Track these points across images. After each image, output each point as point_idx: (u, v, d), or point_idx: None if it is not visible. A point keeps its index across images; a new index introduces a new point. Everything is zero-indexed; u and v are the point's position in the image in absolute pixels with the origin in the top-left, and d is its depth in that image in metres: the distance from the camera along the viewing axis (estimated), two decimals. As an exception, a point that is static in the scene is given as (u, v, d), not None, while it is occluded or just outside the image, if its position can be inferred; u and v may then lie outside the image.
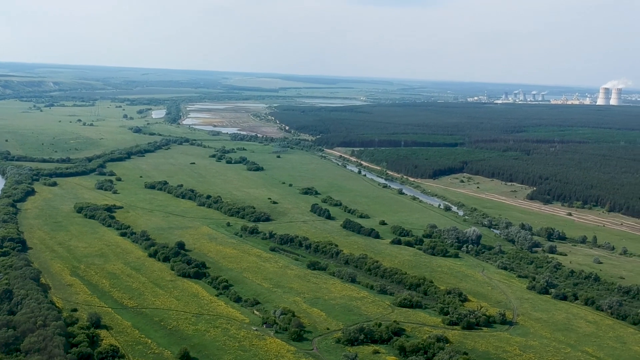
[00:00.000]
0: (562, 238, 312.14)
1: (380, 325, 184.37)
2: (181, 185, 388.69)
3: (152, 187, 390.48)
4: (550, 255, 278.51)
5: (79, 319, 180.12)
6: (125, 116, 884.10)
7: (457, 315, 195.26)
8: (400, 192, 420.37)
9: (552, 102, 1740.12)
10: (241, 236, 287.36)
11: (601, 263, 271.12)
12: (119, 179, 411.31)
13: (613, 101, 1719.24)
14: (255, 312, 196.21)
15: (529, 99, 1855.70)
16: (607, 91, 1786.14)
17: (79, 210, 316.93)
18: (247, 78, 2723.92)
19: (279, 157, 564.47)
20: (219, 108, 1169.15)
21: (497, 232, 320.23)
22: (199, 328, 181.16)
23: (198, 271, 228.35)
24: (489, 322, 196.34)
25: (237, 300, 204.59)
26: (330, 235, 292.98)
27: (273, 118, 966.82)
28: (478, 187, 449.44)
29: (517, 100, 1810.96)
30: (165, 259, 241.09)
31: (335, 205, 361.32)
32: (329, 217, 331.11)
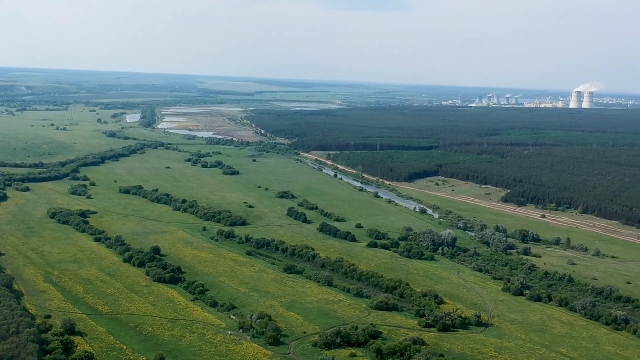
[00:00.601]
0: (536, 240, 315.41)
1: (356, 328, 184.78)
2: (156, 190, 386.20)
3: (126, 191, 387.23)
4: (525, 257, 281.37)
5: (52, 326, 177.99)
6: (99, 120, 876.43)
7: (433, 318, 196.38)
8: (376, 195, 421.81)
9: (526, 105, 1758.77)
10: (217, 240, 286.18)
11: (574, 264, 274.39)
12: (92, 184, 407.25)
13: (585, 104, 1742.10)
14: (231, 316, 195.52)
15: (502, 102, 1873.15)
16: (580, 94, 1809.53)
17: (52, 215, 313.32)
18: (222, 82, 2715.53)
19: (254, 160, 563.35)
20: (194, 112, 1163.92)
21: (472, 234, 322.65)
22: (174, 333, 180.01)
23: (174, 276, 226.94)
24: (464, 323, 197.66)
25: (213, 304, 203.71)
26: (306, 239, 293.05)
27: (249, 122, 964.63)
28: (453, 190, 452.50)
29: (490, 103, 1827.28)
30: (141, 264, 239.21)
31: (312, 208, 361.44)
32: (305, 221, 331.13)
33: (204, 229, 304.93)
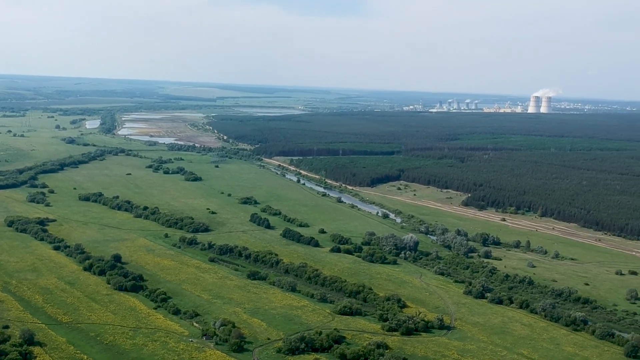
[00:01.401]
0: (497, 243, 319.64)
1: (320, 333, 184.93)
2: (117, 197, 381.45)
3: (86, 199, 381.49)
4: (486, 260, 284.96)
5: (11, 336, 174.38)
6: (57, 127, 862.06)
7: (396, 322, 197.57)
8: (339, 201, 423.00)
9: (485, 110, 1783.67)
10: (179, 247, 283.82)
11: (534, 267, 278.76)
12: (51, 191, 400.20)
13: (543, 109, 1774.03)
14: (194, 324, 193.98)
15: (462, 108, 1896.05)
16: (538, 99, 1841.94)
17: (10, 224, 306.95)
18: (184, 87, 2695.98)
19: (217, 166, 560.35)
20: (155, 118, 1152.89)
21: (434, 238, 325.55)
22: (136, 342, 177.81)
23: (135, 284, 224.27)
24: (427, 327, 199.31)
25: (176, 312, 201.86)
26: (270, 245, 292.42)
27: (211, 128, 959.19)
28: (415, 195, 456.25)
29: (451, 108, 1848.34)
30: (101, 273, 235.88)
31: (275, 214, 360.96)
32: (269, 227, 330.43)
33: (166, 236, 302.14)
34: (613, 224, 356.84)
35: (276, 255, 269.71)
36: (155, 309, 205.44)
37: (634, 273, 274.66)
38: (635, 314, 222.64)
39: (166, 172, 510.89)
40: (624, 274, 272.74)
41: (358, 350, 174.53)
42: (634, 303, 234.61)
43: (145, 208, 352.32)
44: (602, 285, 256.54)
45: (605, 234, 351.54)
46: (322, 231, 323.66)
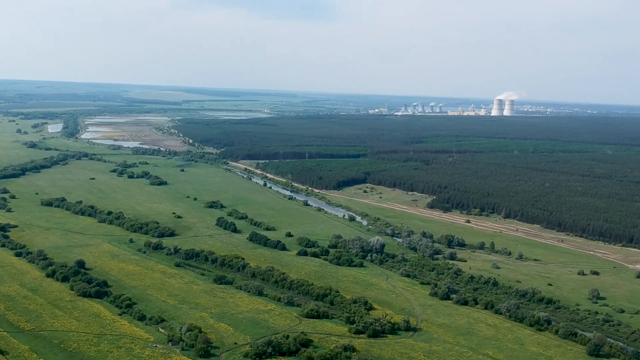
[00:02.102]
0: (462, 245, 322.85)
1: (288, 337, 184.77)
2: (80, 202, 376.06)
3: (49, 204, 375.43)
4: (451, 262, 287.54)
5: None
6: (19, 131, 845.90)
7: (363, 324, 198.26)
8: (306, 204, 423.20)
9: (449, 113, 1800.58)
10: (145, 252, 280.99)
11: (499, 268, 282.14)
12: (12, 197, 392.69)
13: (506, 112, 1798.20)
14: (160, 329, 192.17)
15: (427, 111, 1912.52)
16: (501, 102, 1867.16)
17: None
18: (149, 91, 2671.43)
19: (182, 170, 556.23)
20: (119, 121, 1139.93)
21: (400, 240, 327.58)
22: (101, 349, 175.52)
23: (99, 290, 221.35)
24: (394, 329, 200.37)
25: (141, 318, 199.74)
26: (236, 249, 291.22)
27: (176, 131, 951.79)
28: (381, 197, 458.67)
29: (416, 112, 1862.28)
30: (64, 279, 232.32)
31: (241, 218, 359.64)
32: (235, 231, 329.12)
33: (131, 240, 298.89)
34: (575, 225, 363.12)
35: (243, 259, 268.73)
36: (120, 315, 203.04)
37: (595, 273, 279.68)
38: (597, 313, 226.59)
39: (131, 177, 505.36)
40: (586, 274, 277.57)
41: (325, 353, 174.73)
42: (596, 303, 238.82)
43: (110, 213, 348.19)
44: (564, 285, 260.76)
45: (568, 234, 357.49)
46: (289, 234, 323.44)
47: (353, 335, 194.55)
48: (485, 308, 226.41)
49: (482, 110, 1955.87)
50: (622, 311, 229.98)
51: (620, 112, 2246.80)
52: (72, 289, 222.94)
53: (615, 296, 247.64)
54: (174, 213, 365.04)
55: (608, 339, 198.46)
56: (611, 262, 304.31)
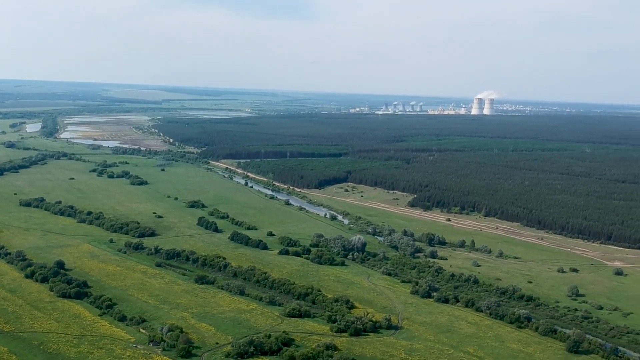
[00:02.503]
0: (443, 243, 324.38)
1: (269, 336, 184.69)
2: (60, 202, 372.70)
3: (27, 204, 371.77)
4: (432, 260, 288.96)
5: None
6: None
7: (344, 323, 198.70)
8: (287, 203, 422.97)
9: (430, 112, 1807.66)
10: (125, 252, 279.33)
11: (479, 266, 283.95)
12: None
13: (486, 111, 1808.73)
14: (141, 330, 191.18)
15: (407, 110, 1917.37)
16: (481, 101, 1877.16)
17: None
18: (129, 90, 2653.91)
19: (163, 170, 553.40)
20: (99, 121, 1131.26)
21: (381, 239, 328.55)
22: (81, 350, 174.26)
23: (79, 291, 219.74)
24: (375, 327, 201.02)
25: (122, 319, 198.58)
26: (217, 248, 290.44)
27: (157, 131, 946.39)
28: (362, 196, 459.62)
29: (396, 111, 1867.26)
30: (44, 280, 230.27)
31: (223, 217, 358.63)
32: (217, 230, 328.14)
33: (111, 241, 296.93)
34: (554, 223, 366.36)
35: (224, 258, 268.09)
36: (101, 315, 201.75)
37: (574, 270, 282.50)
38: (576, 310, 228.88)
39: (111, 176, 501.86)
40: (565, 272, 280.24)
41: (307, 352, 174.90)
42: (575, 300, 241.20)
43: (89, 213, 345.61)
44: (544, 282, 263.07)
45: (547, 232, 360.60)
46: (271, 234, 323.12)
47: (335, 334, 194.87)
48: (466, 306, 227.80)
49: (462, 109, 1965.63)
50: (601, 308, 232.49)
51: (598, 111, 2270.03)
52: (51, 290, 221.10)
53: (594, 293, 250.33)
54: (154, 213, 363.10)
55: (587, 336, 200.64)
56: (590, 259, 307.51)
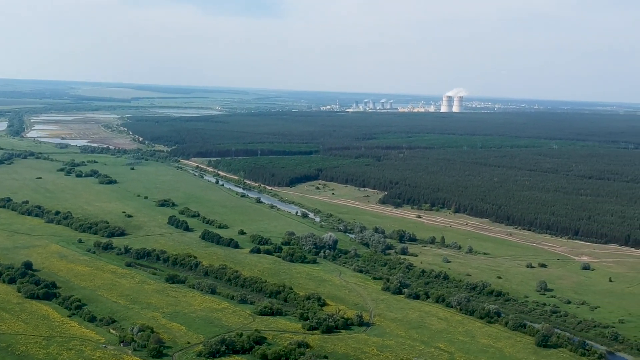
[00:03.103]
0: (413, 239, 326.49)
1: (241, 335, 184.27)
2: (27, 202, 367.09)
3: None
4: (403, 257, 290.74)
5: None
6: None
7: (316, 320, 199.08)
8: (259, 201, 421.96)
9: (400, 110, 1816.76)
10: (94, 252, 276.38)
11: (449, 262, 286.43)
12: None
13: (455, 108, 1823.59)
14: (111, 330, 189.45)
15: (378, 108, 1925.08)
16: (450, 99, 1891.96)
17: None
18: (97, 88, 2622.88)
19: (133, 169, 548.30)
20: (67, 119, 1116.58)
21: (353, 236, 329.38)
22: (50, 351, 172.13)
23: (48, 292, 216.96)
24: (347, 324, 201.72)
25: (92, 319, 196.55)
26: (188, 247, 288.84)
27: (126, 129, 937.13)
28: (333, 194, 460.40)
29: (367, 108, 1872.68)
30: (11, 281, 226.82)
31: (193, 216, 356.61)
32: (187, 229, 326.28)
33: (80, 241, 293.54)
34: (523, 219, 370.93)
35: (195, 257, 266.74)
36: (70, 316, 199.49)
37: (543, 265, 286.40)
38: (545, 304, 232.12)
39: (79, 176, 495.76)
40: (534, 267, 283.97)
41: (279, 350, 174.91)
42: (544, 294, 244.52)
43: (57, 213, 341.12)
44: (513, 278, 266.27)
45: (516, 228, 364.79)
46: (242, 232, 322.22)
47: (307, 331, 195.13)
48: (437, 302, 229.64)
49: (432, 106, 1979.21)
50: (569, 302, 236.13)
51: (565, 108, 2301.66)
52: (19, 291, 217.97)
53: (562, 288, 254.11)
54: (124, 212, 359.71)
55: (555, 330, 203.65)
56: (558, 254, 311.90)
